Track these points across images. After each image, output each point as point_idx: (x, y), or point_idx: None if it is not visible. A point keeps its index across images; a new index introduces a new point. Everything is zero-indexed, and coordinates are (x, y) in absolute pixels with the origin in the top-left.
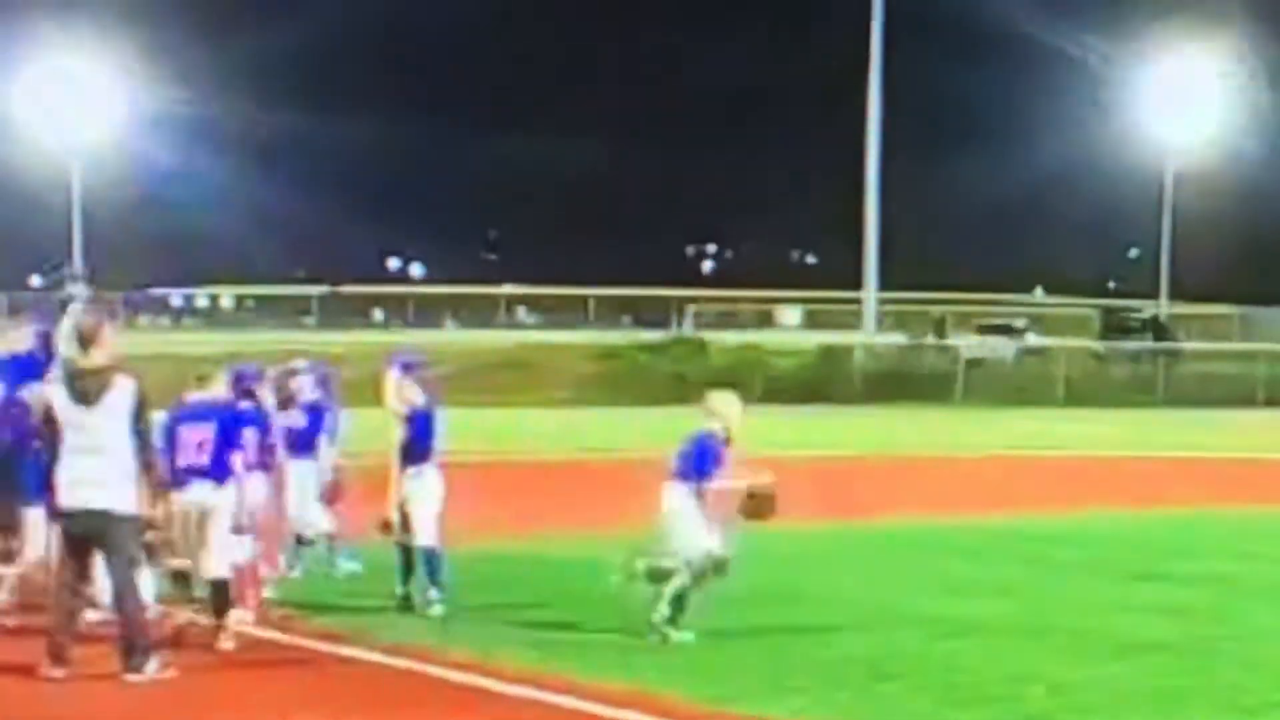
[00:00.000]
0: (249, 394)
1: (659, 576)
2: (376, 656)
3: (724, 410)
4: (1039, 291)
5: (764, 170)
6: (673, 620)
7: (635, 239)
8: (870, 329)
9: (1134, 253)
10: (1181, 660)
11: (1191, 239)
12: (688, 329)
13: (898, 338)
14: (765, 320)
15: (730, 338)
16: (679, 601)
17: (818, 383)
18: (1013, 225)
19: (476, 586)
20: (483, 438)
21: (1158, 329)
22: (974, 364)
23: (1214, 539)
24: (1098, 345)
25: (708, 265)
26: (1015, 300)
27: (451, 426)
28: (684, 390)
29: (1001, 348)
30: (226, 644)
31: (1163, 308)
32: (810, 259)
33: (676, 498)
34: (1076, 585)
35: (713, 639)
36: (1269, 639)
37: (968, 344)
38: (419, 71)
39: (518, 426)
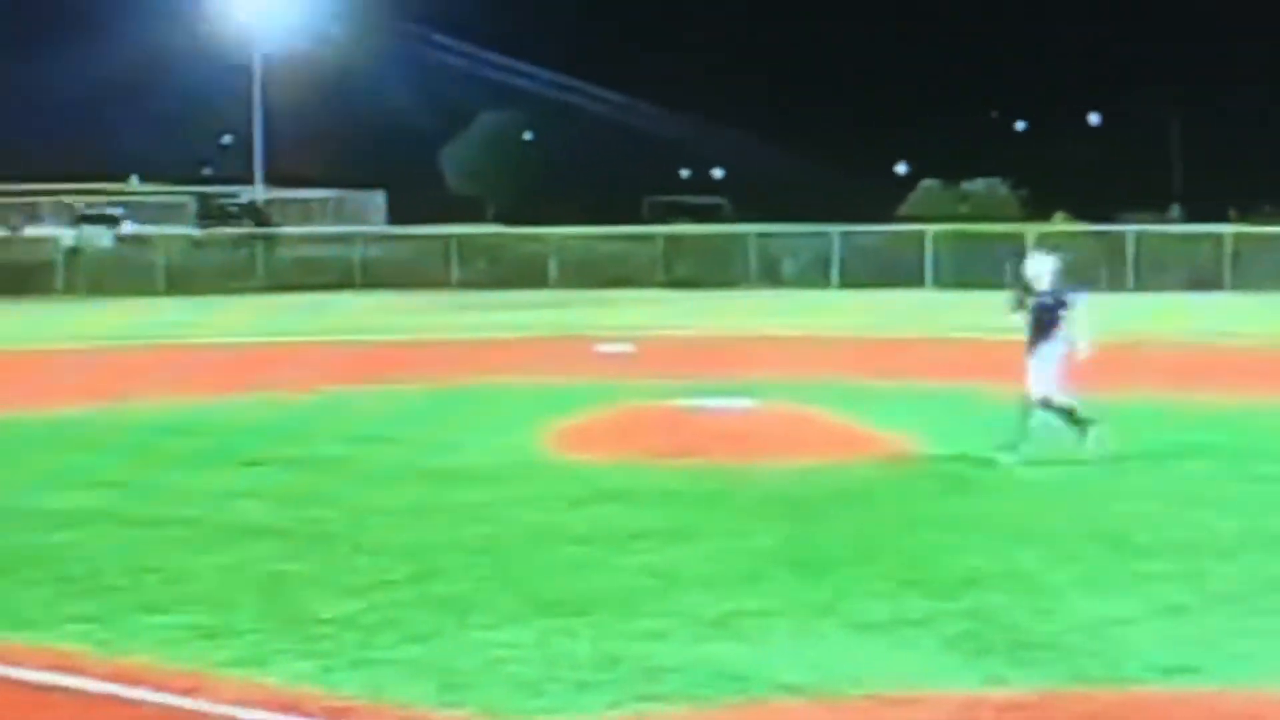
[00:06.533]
0: None
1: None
2: None
3: None
4: (134, 180)
5: None
6: None
7: None
8: None
9: (227, 139)
10: (293, 545)
11: (283, 125)
12: None
13: None
14: None
15: None
16: None
17: None
18: (103, 113)
19: None
20: None
21: (255, 214)
22: (73, 254)
23: (324, 423)
24: (196, 232)
25: None
26: (111, 189)
27: None
28: None
29: (100, 236)
30: None
31: (258, 193)
32: None
33: None
34: (186, 474)
35: None
36: (379, 520)
37: (65, 234)
38: None
39: None
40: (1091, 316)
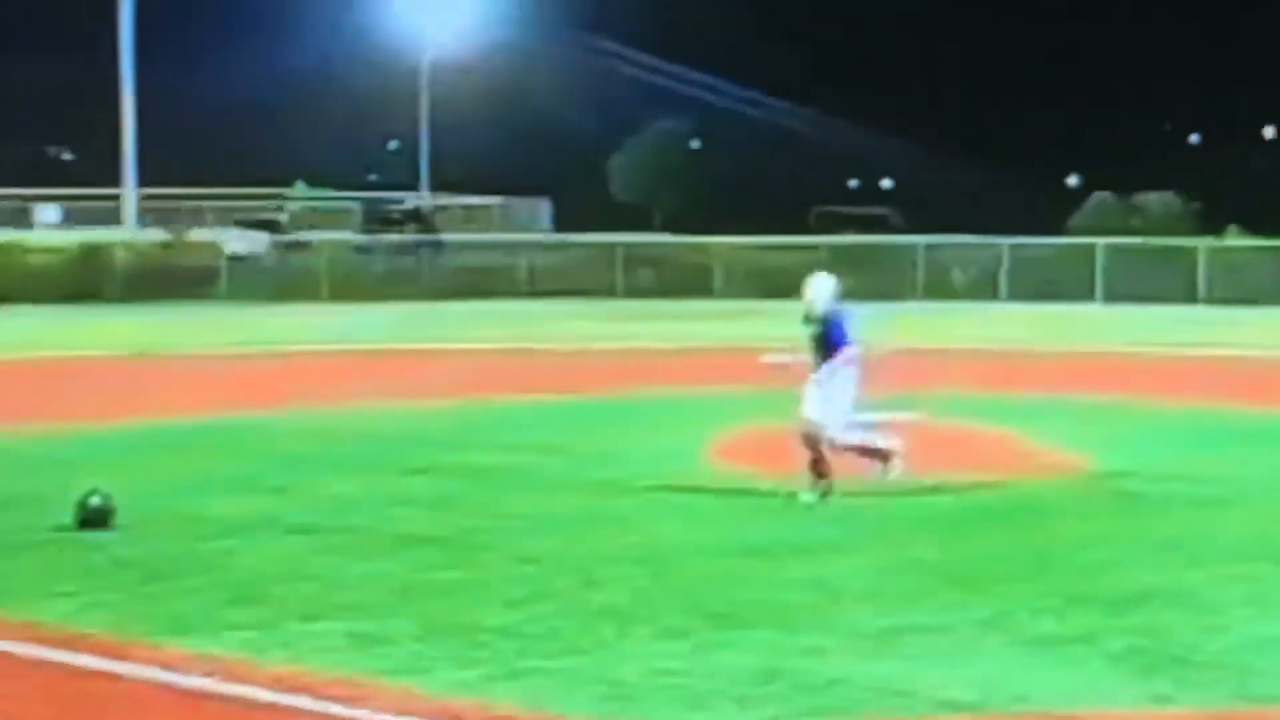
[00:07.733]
0: None
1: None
2: None
3: None
4: (300, 185)
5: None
6: None
7: None
8: (131, 225)
9: (394, 144)
10: (453, 554)
11: (450, 130)
12: None
13: (159, 233)
14: (22, 218)
15: None
16: None
17: (79, 281)
18: (270, 118)
19: None
20: None
21: (420, 220)
22: (236, 259)
23: (485, 431)
24: (360, 238)
25: None
26: (277, 194)
27: None
28: None
29: (264, 242)
30: None
31: (424, 199)
32: (66, 155)
33: None
34: (346, 482)
35: None
36: (534, 530)
37: (230, 239)
38: None
39: None
40: (862, 328)
